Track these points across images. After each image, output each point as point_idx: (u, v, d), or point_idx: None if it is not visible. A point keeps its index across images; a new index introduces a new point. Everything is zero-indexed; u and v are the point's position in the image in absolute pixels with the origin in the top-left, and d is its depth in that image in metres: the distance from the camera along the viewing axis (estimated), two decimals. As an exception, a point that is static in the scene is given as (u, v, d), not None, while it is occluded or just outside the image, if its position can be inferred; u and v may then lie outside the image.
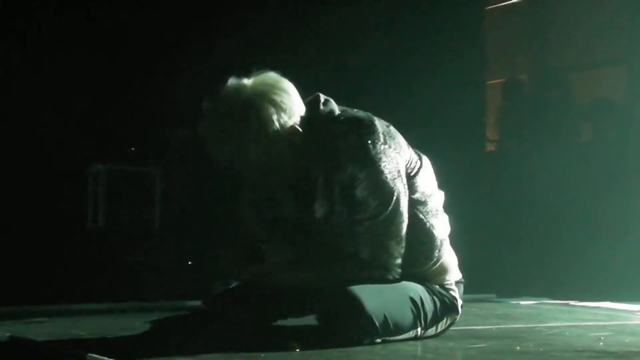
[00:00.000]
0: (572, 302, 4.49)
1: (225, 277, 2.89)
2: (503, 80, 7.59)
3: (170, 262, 5.10)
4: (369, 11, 6.13)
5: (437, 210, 2.73)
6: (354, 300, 2.47)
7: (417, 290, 2.67)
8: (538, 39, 7.91)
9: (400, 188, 2.54)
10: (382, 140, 2.53)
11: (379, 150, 2.51)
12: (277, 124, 2.50)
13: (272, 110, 2.50)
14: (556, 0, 7.86)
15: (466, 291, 2.86)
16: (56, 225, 4.99)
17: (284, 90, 2.55)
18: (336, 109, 2.62)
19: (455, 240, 2.85)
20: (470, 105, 6.79)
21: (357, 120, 2.57)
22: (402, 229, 2.56)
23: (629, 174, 6.08)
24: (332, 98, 2.66)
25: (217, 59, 5.08)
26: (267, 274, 2.63)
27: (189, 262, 5.10)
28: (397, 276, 2.59)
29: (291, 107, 2.54)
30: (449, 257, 2.81)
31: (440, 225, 2.74)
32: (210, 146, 2.56)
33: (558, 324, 3.39)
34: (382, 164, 2.50)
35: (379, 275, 2.55)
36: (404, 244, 2.57)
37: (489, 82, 7.68)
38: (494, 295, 4.68)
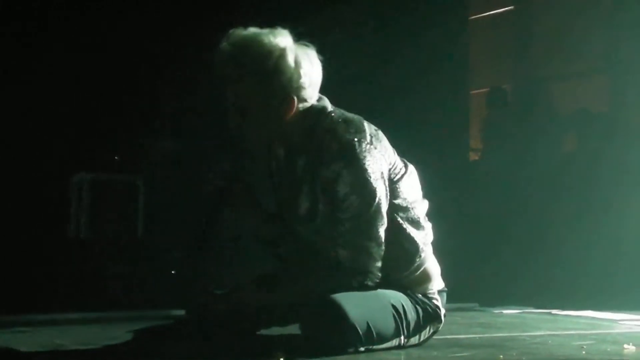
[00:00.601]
0: (554, 311, 4.50)
1: (208, 287, 2.89)
2: (487, 89, 7.63)
3: (154, 271, 5.08)
4: (352, 21, 6.15)
5: (419, 218, 2.74)
6: (337, 309, 2.47)
7: (399, 298, 2.68)
8: (521, 49, 7.96)
9: (382, 190, 2.55)
10: (368, 140, 2.55)
11: (364, 149, 2.52)
12: (289, 80, 2.51)
13: (292, 65, 2.52)
14: (540, 11, 7.91)
15: (449, 300, 2.87)
16: (39, 234, 4.97)
17: (312, 59, 2.57)
18: (329, 105, 2.64)
19: (438, 248, 2.86)
20: (454, 114, 6.83)
21: (347, 119, 2.60)
22: (382, 231, 2.57)
23: (611, 183, 6.12)
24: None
25: (203, 70, 5.07)
26: (241, 302, 2.63)
27: (173, 272, 5.09)
28: (377, 280, 2.58)
29: (311, 76, 2.56)
30: (431, 265, 2.81)
31: (423, 233, 2.74)
32: (224, 73, 2.52)
33: (541, 332, 3.40)
34: (367, 163, 2.51)
35: (358, 282, 2.55)
36: (383, 247, 2.57)
37: (472, 92, 7.71)
38: (476, 304, 4.69)
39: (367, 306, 2.55)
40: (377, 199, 2.54)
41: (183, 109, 5.36)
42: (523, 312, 4.52)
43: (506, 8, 8.11)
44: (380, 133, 2.65)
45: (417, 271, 2.73)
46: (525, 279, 5.72)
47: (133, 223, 5.29)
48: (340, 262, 2.54)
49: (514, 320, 4.05)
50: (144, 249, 5.24)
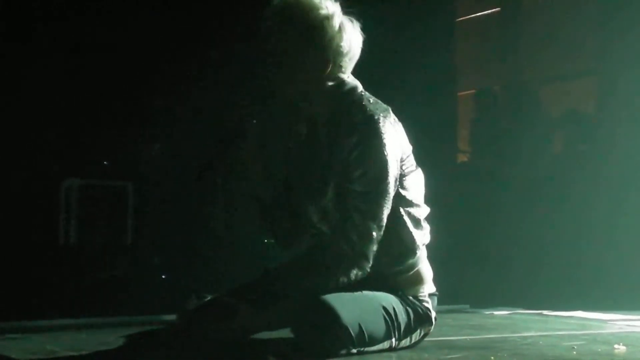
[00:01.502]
0: (545, 312, 4.52)
1: (199, 292, 2.89)
2: (474, 91, 7.64)
3: (144, 276, 5.08)
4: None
5: (420, 217, 2.75)
6: (329, 311, 2.48)
7: (390, 301, 2.68)
8: (509, 51, 7.97)
9: (394, 171, 2.56)
10: (391, 121, 2.57)
11: (387, 129, 2.54)
12: (330, 41, 2.54)
13: (336, 28, 2.56)
14: (527, 13, 7.93)
15: (440, 301, 2.88)
16: (29, 240, 4.96)
17: (356, 30, 2.60)
18: (360, 86, 2.67)
19: (429, 250, 2.87)
20: (442, 116, 6.83)
21: (376, 100, 2.63)
22: (385, 215, 2.56)
23: (599, 184, 6.14)
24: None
25: (191, 75, 5.09)
26: (239, 328, 2.62)
27: (163, 276, 5.09)
28: (368, 269, 2.57)
29: (351, 45, 2.56)
30: (425, 268, 2.82)
31: (421, 233, 2.75)
32: (269, 34, 2.54)
33: (531, 333, 3.41)
34: (385, 140, 2.53)
35: (356, 268, 2.53)
36: (382, 233, 2.56)
37: (460, 94, 7.73)
38: (467, 306, 4.70)
39: (358, 308, 2.55)
40: (388, 178, 2.54)
41: (173, 114, 5.35)
42: (514, 313, 4.53)
43: (493, 10, 8.13)
44: (401, 126, 2.68)
45: (410, 271, 2.74)
46: (516, 279, 5.74)
47: (123, 228, 5.28)
48: (341, 250, 2.52)
49: (505, 321, 4.07)
50: (134, 254, 5.23)
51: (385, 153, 2.54)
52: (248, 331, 2.72)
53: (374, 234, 2.56)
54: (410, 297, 2.76)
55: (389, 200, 2.56)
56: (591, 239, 5.96)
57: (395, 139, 2.60)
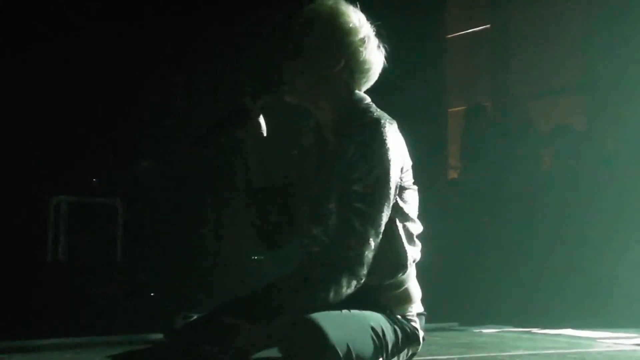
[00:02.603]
0: (533, 330, 4.51)
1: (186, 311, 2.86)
2: (465, 107, 7.66)
3: (133, 294, 5.05)
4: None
5: (414, 234, 2.74)
6: (317, 330, 2.45)
7: (378, 320, 2.66)
8: (499, 67, 8.00)
9: (395, 177, 2.55)
10: (396, 130, 2.57)
11: (391, 135, 2.53)
12: (351, 41, 2.53)
13: (360, 35, 2.55)
14: (517, 30, 7.96)
15: (429, 319, 2.86)
16: (16, 257, 4.93)
17: (380, 47, 2.60)
18: (369, 98, 2.67)
19: (418, 267, 2.85)
20: (433, 132, 6.84)
21: (383, 112, 2.62)
22: (384, 221, 2.54)
23: (588, 201, 6.15)
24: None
25: (180, 92, 5.09)
26: (241, 347, 2.58)
27: (152, 294, 5.06)
28: (363, 278, 2.54)
29: (370, 54, 2.58)
30: (414, 286, 2.80)
31: (413, 249, 2.74)
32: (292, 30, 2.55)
33: (520, 352, 3.40)
34: (389, 145, 2.51)
35: (352, 277, 2.50)
36: (379, 240, 2.54)
37: (451, 110, 7.74)
38: (456, 324, 4.69)
39: (347, 327, 2.53)
40: (389, 182, 2.52)
41: (162, 131, 5.35)
42: (503, 331, 4.53)
43: (483, 27, 8.16)
44: (403, 140, 2.69)
45: (399, 287, 2.72)
46: (505, 297, 5.73)
47: (112, 246, 5.26)
48: (337, 255, 2.49)
49: (494, 339, 4.06)
50: (123, 272, 5.20)
51: (389, 157, 2.53)
52: (250, 350, 2.69)
53: (372, 239, 2.53)
54: (399, 316, 2.74)
55: (388, 207, 2.54)
56: (581, 256, 5.95)
57: (399, 147, 2.59)
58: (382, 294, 2.65)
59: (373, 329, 2.61)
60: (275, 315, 2.57)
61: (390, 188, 2.51)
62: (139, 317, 4.30)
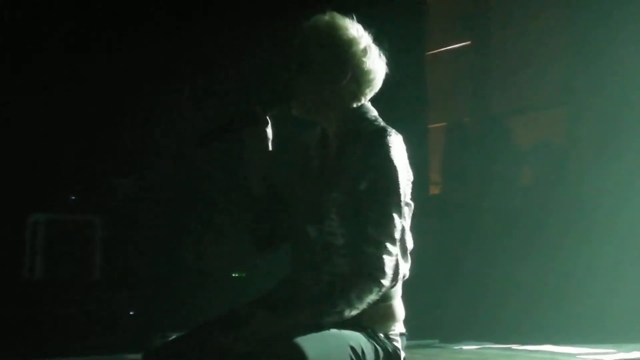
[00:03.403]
0: (514, 346, 4.51)
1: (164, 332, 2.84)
2: (445, 124, 7.68)
3: (111, 313, 5.01)
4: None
5: (408, 248, 2.73)
6: (296, 349, 2.44)
7: (358, 339, 2.64)
8: (479, 83, 8.03)
9: (403, 184, 2.54)
10: (402, 142, 2.56)
11: (397, 144, 2.52)
12: (355, 52, 2.53)
13: (363, 46, 2.54)
14: (497, 46, 8.01)
15: (409, 336, 2.85)
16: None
17: (382, 58, 2.60)
18: (374, 110, 2.66)
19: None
20: (413, 148, 6.84)
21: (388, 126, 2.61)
22: (398, 228, 2.52)
23: (567, 216, 6.17)
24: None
25: (160, 108, 5.07)
26: (256, 334, 2.54)
27: (130, 313, 5.02)
28: (385, 283, 2.51)
29: (374, 64, 2.57)
30: (399, 304, 2.78)
31: (405, 265, 2.73)
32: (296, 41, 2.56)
33: (500, 369, 3.39)
34: (395, 153, 2.51)
35: (372, 284, 2.48)
36: (397, 248, 2.52)
37: (431, 126, 7.76)
38: (437, 340, 4.68)
39: (326, 346, 2.51)
40: (398, 190, 2.51)
41: (140, 147, 5.32)
42: (483, 348, 4.52)
43: (463, 43, 8.20)
44: None
45: (386, 301, 2.70)
46: (485, 313, 5.73)
47: (90, 264, 5.21)
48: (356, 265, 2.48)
49: (474, 356, 4.05)
50: (101, 290, 5.16)
51: (396, 166, 2.53)
52: (264, 338, 2.63)
53: (388, 244, 2.51)
54: (381, 335, 2.72)
55: (399, 213, 2.52)
56: (561, 271, 5.97)
57: (403, 157, 2.59)
58: (367, 309, 2.63)
59: (352, 348, 2.58)
60: (295, 309, 2.55)
61: (400, 195, 2.50)
62: (117, 337, 4.26)
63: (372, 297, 2.47)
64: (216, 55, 5.77)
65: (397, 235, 2.47)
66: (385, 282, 2.47)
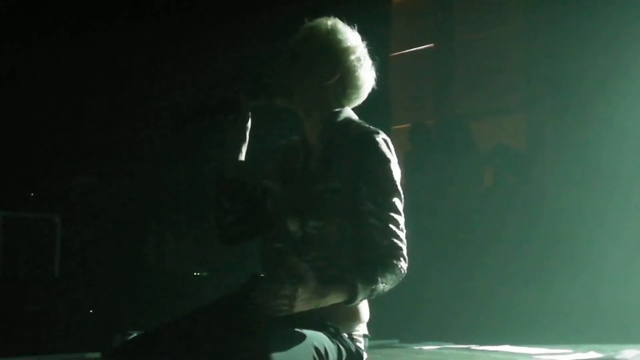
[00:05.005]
0: (473, 346, 4.55)
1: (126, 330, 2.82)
2: (409, 125, 7.72)
3: (70, 312, 4.96)
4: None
5: None
6: (260, 350, 2.44)
7: (322, 340, 2.65)
8: (442, 86, 8.09)
9: (399, 184, 2.56)
10: (390, 143, 2.58)
11: (386, 145, 2.54)
12: (348, 56, 2.55)
13: (356, 53, 2.56)
14: (459, 50, 8.07)
15: (371, 336, 2.86)
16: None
17: (373, 68, 2.62)
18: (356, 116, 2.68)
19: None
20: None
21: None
22: (403, 230, 2.55)
23: (527, 218, 6.24)
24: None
25: (121, 103, 5.03)
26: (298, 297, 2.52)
27: (90, 311, 4.99)
28: (401, 269, 2.54)
29: (364, 69, 2.58)
30: (364, 305, 2.80)
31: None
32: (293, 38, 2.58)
33: (459, 369, 3.43)
34: (388, 155, 2.53)
35: (383, 271, 2.50)
36: (403, 236, 2.55)
37: (394, 127, 7.80)
38: (396, 340, 4.70)
39: (289, 345, 2.52)
40: (398, 190, 2.54)
41: (101, 144, 5.29)
42: (443, 348, 4.55)
43: (426, 46, 8.26)
44: None
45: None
46: (445, 313, 5.77)
47: (50, 262, 5.16)
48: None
49: (434, 356, 4.08)
50: (61, 289, 5.11)
51: (391, 167, 2.56)
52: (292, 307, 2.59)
53: (401, 236, 2.55)
54: (344, 335, 2.74)
55: (401, 211, 2.56)
56: (520, 272, 6.03)
57: (394, 157, 2.62)
58: (334, 307, 2.64)
59: (316, 348, 2.59)
60: (336, 281, 2.55)
61: (400, 193, 2.54)
62: (77, 336, 4.23)
63: (392, 284, 2.50)
64: (179, 53, 5.74)
65: (404, 229, 2.51)
66: (399, 267, 2.50)
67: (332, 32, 2.63)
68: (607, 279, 5.63)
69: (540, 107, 6.92)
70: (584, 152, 6.16)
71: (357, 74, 2.65)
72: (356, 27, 2.66)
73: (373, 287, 2.48)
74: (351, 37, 2.65)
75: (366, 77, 2.68)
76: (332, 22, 2.65)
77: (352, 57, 2.65)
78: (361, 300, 2.49)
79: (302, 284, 2.41)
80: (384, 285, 2.51)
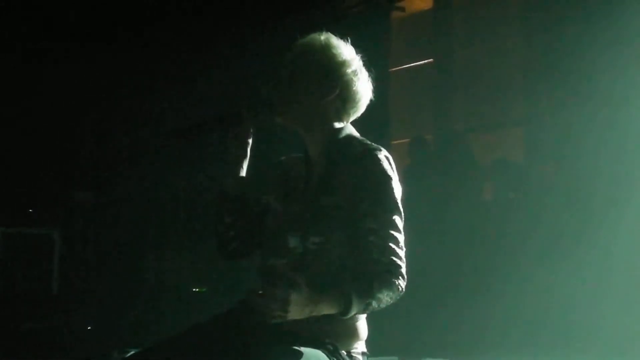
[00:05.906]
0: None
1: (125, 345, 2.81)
2: (408, 140, 7.72)
3: (69, 328, 4.95)
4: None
5: None
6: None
7: (320, 358, 2.63)
8: (441, 101, 8.10)
9: (400, 200, 2.56)
10: (392, 160, 2.58)
11: (387, 161, 2.54)
12: (345, 70, 2.56)
13: (353, 67, 2.58)
14: (458, 64, 8.09)
15: (368, 354, 2.85)
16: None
17: (369, 81, 2.63)
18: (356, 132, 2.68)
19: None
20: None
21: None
22: (403, 246, 2.54)
23: (524, 233, 6.23)
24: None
25: (119, 119, 5.04)
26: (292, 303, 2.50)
27: (89, 327, 4.98)
28: (399, 287, 2.52)
29: (361, 83, 2.59)
30: (363, 322, 2.78)
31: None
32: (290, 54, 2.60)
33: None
34: (390, 172, 2.53)
35: (380, 287, 2.49)
36: (402, 253, 2.54)
37: (394, 142, 7.81)
38: (396, 358, 4.69)
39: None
40: (399, 207, 2.53)
41: (100, 160, 5.29)
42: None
43: (426, 61, 8.27)
44: None
45: (351, 319, 2.70)
46: (443, 329, 5.75)
47: (48, 278, 5.16)
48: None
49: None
50: (60, 305, 5.11)
51: (392, 184, 2.56)
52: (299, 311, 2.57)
53: (400, 255, 2.54)
54: (343, 352, 2.72)
55: (401, 228, 2.55)
56: (520, 287, 6.01)
57: (395, 173, 2.62)
58: (333, 323, 2.62)
59: (314, 368, 2.58)
60: (333, 288, 2.53)
61: (400, 210, 2.53)
62: (75, 352, 4.22)
63: (386, 299, 2.48)
64: (179, 67, 5.75)
65: (403, 247, 2.51)
66: (398, 284, 2.49)
67: (327, 47, 2.63)
68: (610, 294, 5.62)
69: (539, 121, 6.93)
70: (583, 165, 6.16)
71: (355, 87, 2.65)
72: (349, 41, 2.66)
73: (368, 301, 2.47)
74: (345, 50, 2.65)
75: (363, 89, 2.68)
76: (325, 36, 2.65)
77: (349, 70, 2.64)
78: (355, 313, 2.48)
79: (295, 290, 2.41)
80: (379, 301, 2.50)
